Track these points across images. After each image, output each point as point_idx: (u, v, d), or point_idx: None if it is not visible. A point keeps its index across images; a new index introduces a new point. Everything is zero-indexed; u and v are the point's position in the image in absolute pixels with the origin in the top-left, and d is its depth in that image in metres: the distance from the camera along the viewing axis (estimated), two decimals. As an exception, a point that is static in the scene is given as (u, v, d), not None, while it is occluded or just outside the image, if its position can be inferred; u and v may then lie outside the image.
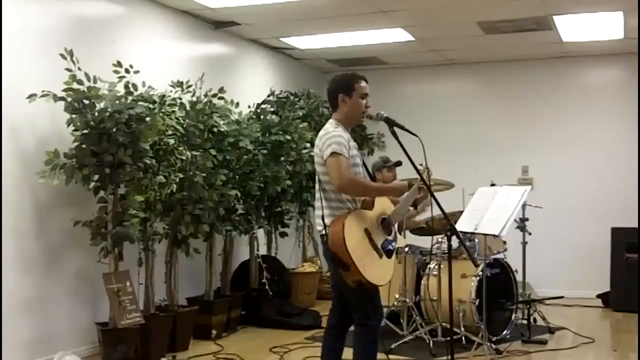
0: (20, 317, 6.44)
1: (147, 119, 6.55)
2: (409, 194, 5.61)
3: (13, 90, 6.29)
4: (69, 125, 6.47)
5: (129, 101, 6.66)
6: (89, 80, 6.46)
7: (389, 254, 5.13)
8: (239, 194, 8.00)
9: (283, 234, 9.66)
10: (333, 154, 4.95)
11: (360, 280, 4.85)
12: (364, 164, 5.33)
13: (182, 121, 7.37)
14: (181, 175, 7.07)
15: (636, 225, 9.91)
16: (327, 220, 5.00)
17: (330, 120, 5.25)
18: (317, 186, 5.18)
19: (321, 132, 5.17)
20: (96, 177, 6.56)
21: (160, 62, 8.27)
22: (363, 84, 5.25)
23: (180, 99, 7.52)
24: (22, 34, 6.49)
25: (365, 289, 4.95)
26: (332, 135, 5.05)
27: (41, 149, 6.42)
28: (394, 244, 5.22)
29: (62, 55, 6.33)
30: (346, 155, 4.98)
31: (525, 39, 10.18)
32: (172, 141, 7.00)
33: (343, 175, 4.92)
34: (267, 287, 8.69)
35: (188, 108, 7.61)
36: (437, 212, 5.32)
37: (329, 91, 5.30)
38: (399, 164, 7.79)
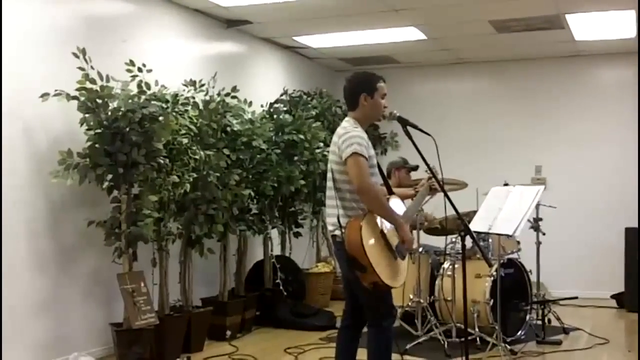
0: (35, 317, 6.45)
1: (161, 118, 6.56)
2: (419, 194, 5.61)
3: (26, 89, 6.29)
4: (82, 124, 6.45)
5: (142, 100, 6.65)
6: (101, 79, 6.46)
7: (402, 255, 5.11)
8: (252, 193, 8.00)
9: (297, 234, 9.64)
10: (354, 154, 4.89)
11: (377, 282, 4.82)
12: (378, 164, 5.28)
13: (195, 120, 7.36)
14: (195, 175, 7.06)
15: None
16: (342, 221, 4.95)
17: (348, 119, 5.18)
18: (329, 184, 5.13)
19: (340, 130, 5.10)
20: (110, 176, 6.55)
21: (173, 61, 8.27)
22: (383, 84, 5.21)
23: (194, 98, 7.52)
24: (35, 33, 6.49)
25: (379, 289, 4.92)
26: (353, 135, 4.97)
27: (54, 149, 6.42)
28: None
29: (74, 54, 6.33)
30: (366, 156, 4.94)
31: (538, 38, 10.15)
32: (185, 140, 6.99)
33: (364, 180, 4.87)
34: (281, 288, 8.69)
35: (201, 107, 7.59)
36: (450, 212, 5.28)
37: (350, 89, 5.22)
38: (415, 168, 7.86)
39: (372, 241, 4.85)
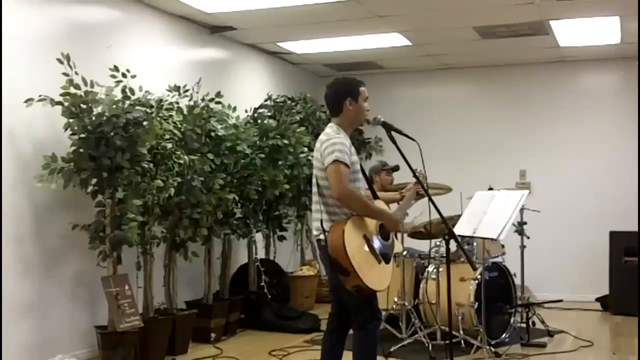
0: (20, 320, 6.43)
1: (145, 123, 6.54)
2: (406, 199, 5.62)
3: (10, 94, 6.28)
4: (66, 129, 6.45)
5: (126, 105, 6.67)
6: (86, 84, 6.47)
7: (386, 259, 5.12)
8: (236, 197, 7.99)
9: (281, 238, 9.65)
10: (335, 161, 4.89)
11: (360, 286, 4.83)
12: (362, 169, 5.30)
13: (179, 125, 7.37)
14: (179, 179, 7.07)
15: (634, 229, 9.89)
16: (326, 225, 4.97)
17: (331, 125, 5.19)
18: (314, 189, 5.14)
19: (322, 137, 5.11)
20: (94, 181, 6.56)
21: (157, 66, 8.28)
22: (364, 87, 5.24)
23: (178, 103, 7.53)
24: (20, 39, 6.48)
25: (364, 293, 4.93)
26: (335, 142, 4.98)
27: (39, 153, 6.42)
28: (391, 249, 5.23)
29: (59, 59, 6.34)
30: (348, 163, 4.94)
31: (522, 44, 10.18)
32: (169, 145, 6.99)
33: (343, 187, 4.88)
34: (265, 291, 8.69)
35: (185, 112, 7.60)
36: (435, 215, 5.30)
37: (332, 96, 5.23)
38: (396, 168, 7.88)
39: (354, 245, 4.85)
